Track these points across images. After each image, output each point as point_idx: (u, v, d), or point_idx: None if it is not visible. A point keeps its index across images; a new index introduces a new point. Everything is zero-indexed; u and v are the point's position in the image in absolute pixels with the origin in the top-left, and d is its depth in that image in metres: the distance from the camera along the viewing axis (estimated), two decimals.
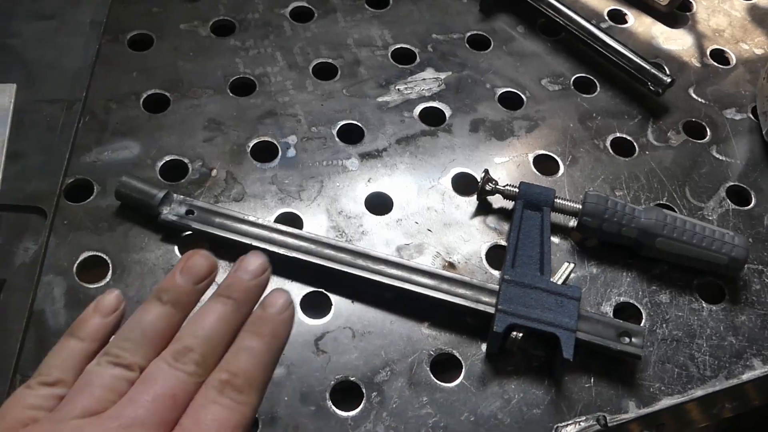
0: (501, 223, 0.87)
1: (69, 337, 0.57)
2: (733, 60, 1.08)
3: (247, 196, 0.86)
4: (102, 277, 0.79)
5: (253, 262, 0.59)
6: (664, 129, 0.98)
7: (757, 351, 0.80)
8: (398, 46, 1.03)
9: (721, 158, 0.96)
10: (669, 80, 0.98)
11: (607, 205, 0.83)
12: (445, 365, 0.77)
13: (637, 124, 0.98)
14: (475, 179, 0.90)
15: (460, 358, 0.77)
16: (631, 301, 0.82)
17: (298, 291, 0.79)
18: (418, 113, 0.96)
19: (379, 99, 0.97)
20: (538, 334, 0.75)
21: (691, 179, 0.93)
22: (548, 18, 1.07)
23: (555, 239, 0.86)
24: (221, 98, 0.95)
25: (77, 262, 0.80)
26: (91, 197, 0.84)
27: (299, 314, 0.78)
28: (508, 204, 0.88)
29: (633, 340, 0.76)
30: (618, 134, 0.97)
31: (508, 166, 0.92)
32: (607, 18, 1.12)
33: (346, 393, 0.74)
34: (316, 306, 0.79)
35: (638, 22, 1.12)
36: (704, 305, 0.83)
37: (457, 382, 0.75)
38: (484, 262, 0.84)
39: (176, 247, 0.81)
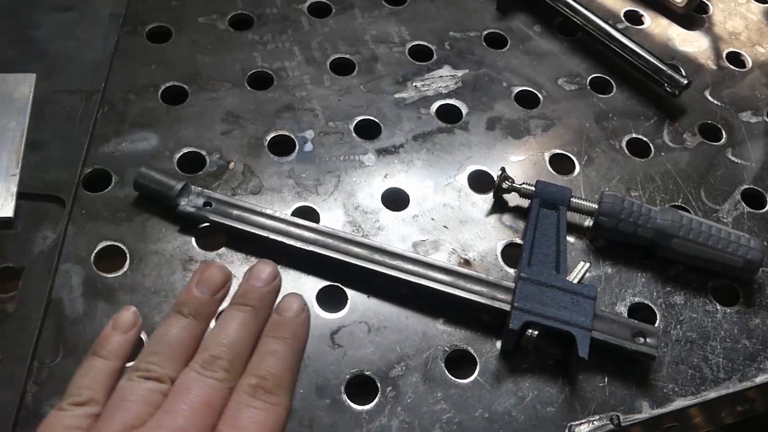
0: (517, 221, 0.87)
1: (93, 356, 0.58)
2: (749, 63, 1.08)
3: (264, 189, 0.86)
4: (119, 267, 0.79)
5: (264, 270, 0.62)
6: (679, 131, 0.98)
7: None
8: (415, 43, 1.04)
9: (736, 161, 0.96)
10: (686, 82, 0.98)
11: (624, 205, 0.83)
12: (459, 361, 0.77)
13: (653, 126, 0.98)
14: (492, 177, 0.90)
15: (474, 354, 0.77)
16: (645, 301, 0.83)
17: (314, 285, 0.80)
18: (434, 110, 0.96)
19: (396, 95, 0.97)
20: (553, 333, 0.75)
21: (706, 181, 0.93)
22: (565, 17, 1.07)
23: (570, 239, 0.86)
24: (239, 92, 0.95)
25: (95, 251, 0.80)
26: (110, 187, 0.85)
27: (315, 308, 0.78)
28: (524, 202, 0.88)
29: (648, 340, 0.76)
30: (634, 135, 0.97)
31: (524, 164, 0.92)
32: (623, 19, 1.12)
33: (361, 387, 0.74)
34: (331, 300, 0.79)
35: (655, 24, 1.12)
36: (718, 307, 0.83)
37: (472, 378, 0.76)
38: (500, 259, 0.84)
39: (193, 239, 0.82)
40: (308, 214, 0.85)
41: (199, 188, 0.83)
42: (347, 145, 0.91)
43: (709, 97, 1.03)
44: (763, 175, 0.94)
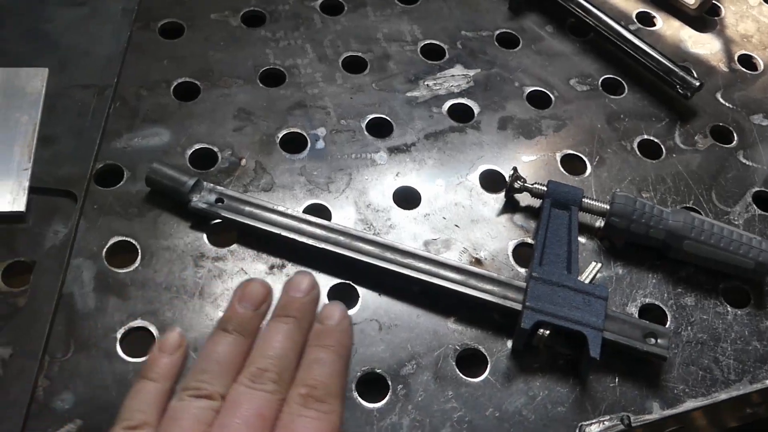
0: (528, 221, 0.87)
1: (142, 380, 0.58)
2: (761, 66, 1.08)
3: (275, 186, 0.86)
4: (131, 263, 0.79)
5: (303, 281, 0.62)
6: (691, 132, 0.98)
7: None
8: (427, 41, 1.04)
9: (747, 163, 0.96)
10: (698, 84, 0.98)
11: (636, 206, 0.83)
12: (470, 360, 0.77)
13: (665, 127, 0.98)
14: (503, 176, 0.90)
15: (485, 353, 0.77)
16: (656, 302, 0.83)
17: (325, 282, 0.80)
18: (446, 109, 0.96)
19: (408, 94, 0.97)
20: (564, 332, 0.75)
21: (717, 183, 0.93)
22: (577, 18, 1.07)
23: (581, 239, 0.86)
24: (251, 88, 0.95)
25: (107, 246, 0.80)
26: (121, 182, 0.85)
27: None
28: (536, 202, 0.88)
29: (659, 341, 0.76)
30: (645, 136, 0.97)
31: (535, 164, 0.92)
32: (635, 20, 1.12)
33: (372, 385, 0.74)
34: (343, 298, 0.78)
35: (666, 25, 1.12)
36: (729, 309, 0.83)
37: (483, 377, 0.76)
38: (511, 259, 0.84)
39: (205, 235, 0.82)
40: (320, 211, 0.85)
41: (211, 184, 0.83)
42: (359, 143, 0.91)
43: (721, 100, 1.02)
44: None
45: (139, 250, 0.80)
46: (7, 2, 0.99)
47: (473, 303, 0.78)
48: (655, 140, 0.97)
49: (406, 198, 0.87)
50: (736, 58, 1.09)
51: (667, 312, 0.82)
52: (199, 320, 0.76)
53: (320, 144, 0.90)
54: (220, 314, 0.74)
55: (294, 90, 0.95)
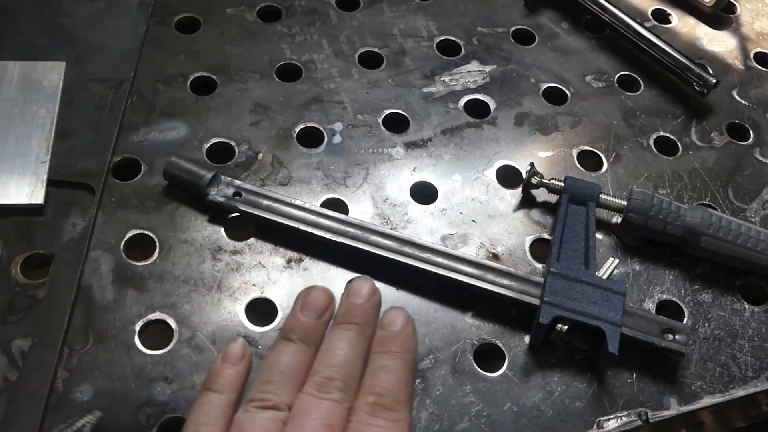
0: (545, 216, 0.87)
1: (207, 392, 0.58)
2: None
3: (293, 180, 0.86)
4: (149, 256, 0.80)
5: (364, 286, 0.62)
6: (707, 130, 0.98)
7: None
8: (443, 37, 1.04)
9: (764, 161, 0.96)
10: (714, 81, 0.98)
11: (653, 203, 0.83)
12: (488, 355, 0.77)
13: (681, 124, 0.98)
14: (520, 172, 0.90)
15: (503, 348, 0.77)
16: (673, 299, 0.82)
17: (342, 276, 0.80)
18: (463, 105, 0.96)
19: (425, 89, 0.97)
20: (582, 328, 0.75)
21: (734, 180, 0.93)
22: (593, 15, 1.07)
23: (598, 235, 0.86)
24: (267, 83, 0.95)
25: (124, 239, 0.80)
26: (139, 176, 0.85)
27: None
28: (552, 198, 0.88)
29: (677, 337, 0.76)
30: (661, 133, 0.97)
31: (552, 160, 0.92)
32: (651, 17, 1.12)
33: None
34: None
35: (682, 23, 1.12)
36: (746, 306, 0.83)
37: (500, 372, 0.76)
38: (528, 254, 0.84)
39: (223, 229, 0.82)
40: (337, 205, 0.85)
41: (229, 178, 0.83)
42: (376, 138, 0.91)
43: (737, 97, 1.02)
44: None
45: (157, 243, 0.80)
46: None
47: (490, 298, 0.78)
48: (672, 137, 0.96)
49: (423, 193, 0.87)
50: (752, 56, 1.08)
51: (684, 308, 0.82)
52: (218, 313, 0.76)
53: (337, 139, 0.90)
54: (238, 307, 0.75)
55: (310, 85, 0.96)
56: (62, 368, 0.71)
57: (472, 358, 0.76)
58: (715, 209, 0.89)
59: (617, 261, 0.81)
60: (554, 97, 0.99)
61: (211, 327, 0.75)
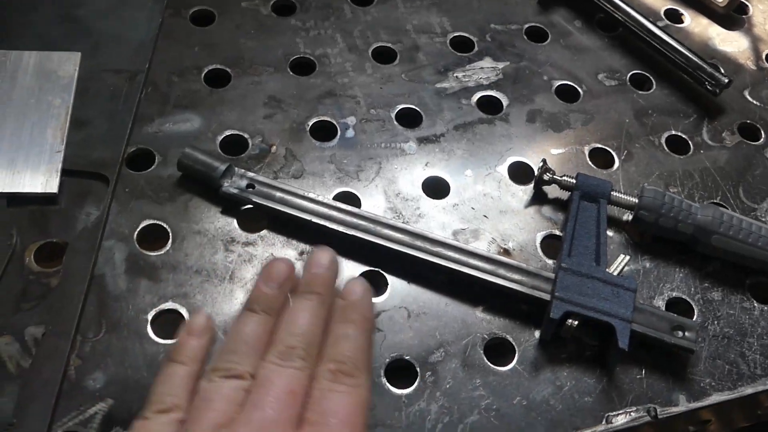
0: (556, 213, 0.87)
1: (171, 363, 0.58)
2: None
3: (306, 173, 0.87)
4: (162, 246, 0.80)
5: (324, 256, 0.62)
6: (719, 129, 0.98)
7: None
8: (457, 34, 1.04)
9: None
10: (727, 80, 0.98)
11: (664, 200, 0.83)
12: (498, 349, 0.77)
13: (692, 123, 0.98)
14: (531, 168, 0.90)
15: (513, 343, 0.77)
16: (683, 296, 0.83)
17: (354, 270, 0.80)
18: (475, 101, 0.96)
19: (438, 85, 0.97)
20: (592, 323, 0.76)
21: (745, 180, 0.93)
22: (606, 14, 1.07)
23: (609, 232, 0.86)
24: (281, 76, 0.96)
25: (138, 229, 0.80)
26: (153, 167, 0.85)
27: None
28: (563, 195, 0.88)
29: (687, 334, 0.76)
30: (673, 132, 0.97)
31: (563, 157, 0.93)
32: (663, 17, 1.12)
33: (401, 371, 0.75)
34: (372, 285, 0.78)
35: (695, 23, 1.12)
36: (756, 305, 0.83)
37: (510, 366, 0.76)
38: (539, 250, 0.84)
39: (235, 221, 0.82)
40: (349, 199, 0.85)
41: (242, 170, 0.83)
42: (388, 133, 0.92)
43: (749, 97, 1.03)
44: None
45: (170, 234, 0.81)
46: None
47: (501, 293, 0.78)
48: (683, 136, 0.97)
49: (435, 188, 0.88)
50: (764, 57, 1.09)
51: (693, 306, 0.82)
52: (230, 304, 0.77)
53: (350, 133, 0.91)
54: None
55: (324, 79, 0.96)
56: (75, 356, 0.72)
57: (482, 352, 0.76)
58: (726, 208, 0.89)
59: (628, 258, 0.81)
60: (566, 94, 0.99)
61: (223, 317, 0.76)
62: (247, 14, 1.02)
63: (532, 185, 0.89)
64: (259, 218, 0.83)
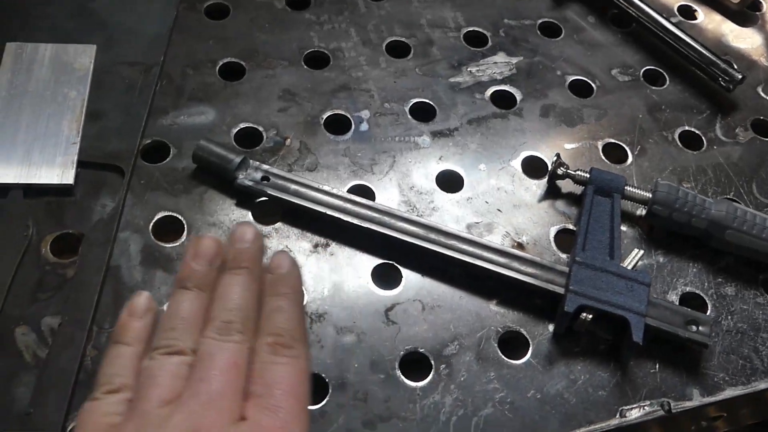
0: (569, 207, 0.87)
1: (116, 344, 0.58)
2: None
3: (320, 166, 0.87)
4: (177, 238, 0.80)
5: (247, 231, 0.62)
6: (732, 125, 0.98)
7: None
8: (470, 29, 1.04)
9: None
10: (740, 76, 0.98)
11: (678, 195, 0.83)
12: (512, 343, 0.78)
13: (705, 119, 0.98)
14: (545, 163, 0.90)
15: (527, 336, 0.78)
16: (696, 291, 0.83)
17: (369, 262, 0.80)
18: (489, 95, 0.97)
19: (451, 79, 0.98)
20: (606, 317, 0.76)
21: (757, 176, 0.93)
22: (619, 9, 1.07)
23: (622, 227, 0.86)
24: (295, 70, 0.96)
25: (153, 221, 0.81)
26: (168, 159, 0.86)
27: (370, 285, 0.79)
28: (576, 189, 0.88)
29: (700, 328, 0.76)
30: (686, 127, 0.97)
31: (577, 152, 0.93)
32: (677, 13, 1.12)
33: (415, 364, 0.75)
34: (386, 278, 0.80)
35: (708, 19, 1.12)
36: None
37: (524, 359, 0.76)
38: (553, 244, 0.84)
39: (250, 213, 0.83)
40: (364, 192, 0.85)
41: (257, 162, 0.83)
42: (402, 127, 0.92)
43: (762, 94, 1.03)
44: None
45: (185, 226, 0.81)
46: None
47: (515, 286, 0.79)
48: (696, 132, 0.97)
49: (449, 181, 0.88)
50: None
51: (707, 301, 0.82)
52: None
53: (364, 126, 0.91)
54: None
55: (338, 73, 0.96)
56: (91, 346, 0.72)
57: (496, 345, 0.77)
58: (739, 204, 0.89)
59: (642, 252, 0.81)
60: (580, 89, 1.00)
61: None
62: (261, 8, 1.02)
63: (545, 179, 0.89)
64: (274, 211, 0.83)
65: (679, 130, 0.96)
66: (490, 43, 1.03)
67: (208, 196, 0.83)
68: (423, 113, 0.94)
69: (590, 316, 0.75)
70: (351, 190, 0.85)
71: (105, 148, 0.85)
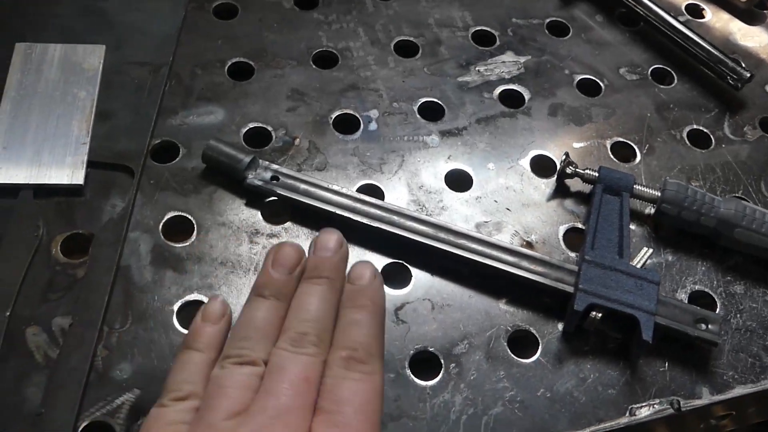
0: (578, 206, 0.87)
1: (187, 350, 0.58)
2: None
3: (329, 166, 0.87)
4: (187, 237, 0.80)
5: (331, 238, 0.62)
6: (740, 124, 0.98)
7: None
8: (478, 28, 1.04)
9: None
10: (748, 75, 0.98)
11: (687, 194, 0.83)
12: (521, 341, 0.78)
13: (714, 118, 0.98)
14: (554, 162, 0.90)
15: (536, 335, 0.78)
16: (705, 289, 0.83)
17: (378, 262, 0.80)
18: (497, 94, 0.97)
19: (460, 79, 0.98)
20: (615, 316, 0.76)
21: (766, 174, 0.93)
22: (627, 8, 1.07)
23: (631, 225, 0.86)
24: (304, 70, 0.96)
25: (163, 221, 0.81)
26: (177, 159, 0.86)
27: None
28: (585, 188, 0.88)
29: (710, 327, 0.76)
30: (695, 126, 0.97)
31: (585, 150, 0.93)
32: (684, 12, 1.12)
33: (425, 363, 0.75)
34: (396, 277, 0.80)
35: (716, 18, 1.12)
36: None
37: (534, 358, 0.76)
38: (562, 243, 0.84)
39: (260, 213, 0.83)
40: (373, 191, 0.85)
41: (267, 162, 0.84)
42: (411, 126, 0.92)
43: None
44: None
45: (195, 226, 0.81)
46: None
47: (524, 285, 0.79)
48: (705, 130, 0.97)
49: (458, 180, 0.88)
50: None
51: (716, 299, 0.82)
52: None
53: (373, 126, 0.91)
54: None
55: (347, 72, 0.96)
56: (101, 346, 0.72)
57: (506, 344, 0.77)
58: (748, 202, 0.89)
59: (651, 251, 0.81)
60: (588, 88, 1.00)
61: None
62: (269, 8, 1.02)
63: (554, 178, 0.89)
64: (283, 210, 0.83)
65: (687, 129, 0.96)
66: (498, 43, 1.03)
67: (218, 196, 0.83)
68: (431, 113, 0.94)
69: (600, 315, 0.75)
70: (360, 190, 0.85)
71: (114, 148, 0.85)
